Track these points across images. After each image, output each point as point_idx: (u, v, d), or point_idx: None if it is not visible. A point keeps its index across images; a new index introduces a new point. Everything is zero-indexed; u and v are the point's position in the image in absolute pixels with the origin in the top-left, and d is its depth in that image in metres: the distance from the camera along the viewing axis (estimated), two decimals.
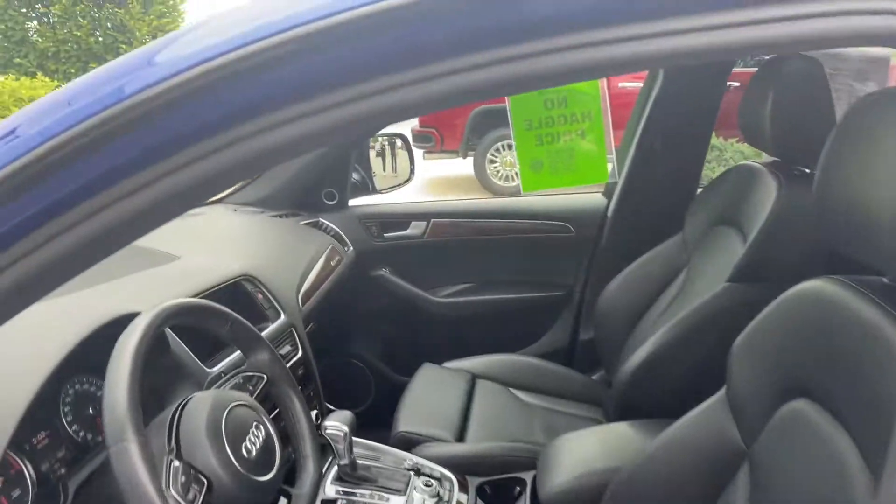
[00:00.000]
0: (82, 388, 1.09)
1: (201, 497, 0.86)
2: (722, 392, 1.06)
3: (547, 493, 1.31)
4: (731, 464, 1.01)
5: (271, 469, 0.98)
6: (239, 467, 0.91)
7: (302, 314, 1.62)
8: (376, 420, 1.77)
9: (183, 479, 0.85)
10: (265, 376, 1.11)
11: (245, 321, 1.10)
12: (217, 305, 1.05)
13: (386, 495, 1.37)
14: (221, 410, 0.94)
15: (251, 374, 1.10)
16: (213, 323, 1.06)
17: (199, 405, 0.95)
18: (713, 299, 1.45)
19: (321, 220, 2.13)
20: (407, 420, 1.69)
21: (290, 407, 1.14)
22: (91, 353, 0.96)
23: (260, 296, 1.51)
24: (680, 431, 1.10)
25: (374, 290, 2.22)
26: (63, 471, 0.97)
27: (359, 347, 2.27)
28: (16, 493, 0.92)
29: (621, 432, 1.42)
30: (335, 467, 1.41)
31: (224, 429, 0.92)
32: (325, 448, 1.39)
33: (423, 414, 1.72)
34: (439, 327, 2.26)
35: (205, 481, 0.88)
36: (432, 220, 2.20)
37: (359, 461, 1.44)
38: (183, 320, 0.99)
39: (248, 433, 0.96)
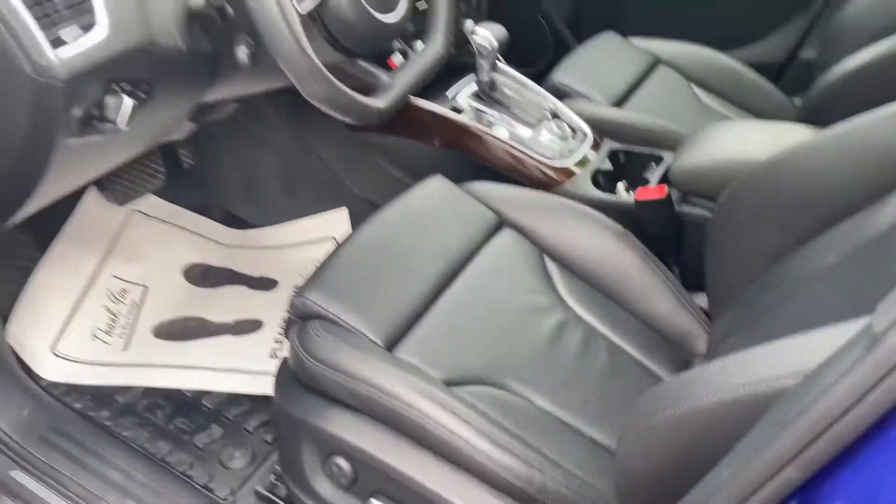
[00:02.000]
0: None
1: (316, 3, 0.82)
2: None
3: (678, 167, 1.19)
4: None
5: (390, 10, 0.92)
6: None
7: None
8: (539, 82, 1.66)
9: None
10: None
11: None
12: None
13: (514, 122, 1.32)
14: None
15: None
16: None
17: None
18: None
19: None
20: (566, 72, 1.57)
21: None
22: None
23: None
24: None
25: None
26: None
27: (544, 2, 2.07)
28: None
29: (798, 134, 1.20)
30: (474, 83, 1.37)
31: None
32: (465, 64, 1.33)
33: (584, 72, 1.59)
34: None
35: None
36: None
37: (500, 85, 1.38)
38: None
39: None
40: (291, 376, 0.90)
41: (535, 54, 2.16)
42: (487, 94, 1.35)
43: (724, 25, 1.89)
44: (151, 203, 1.47)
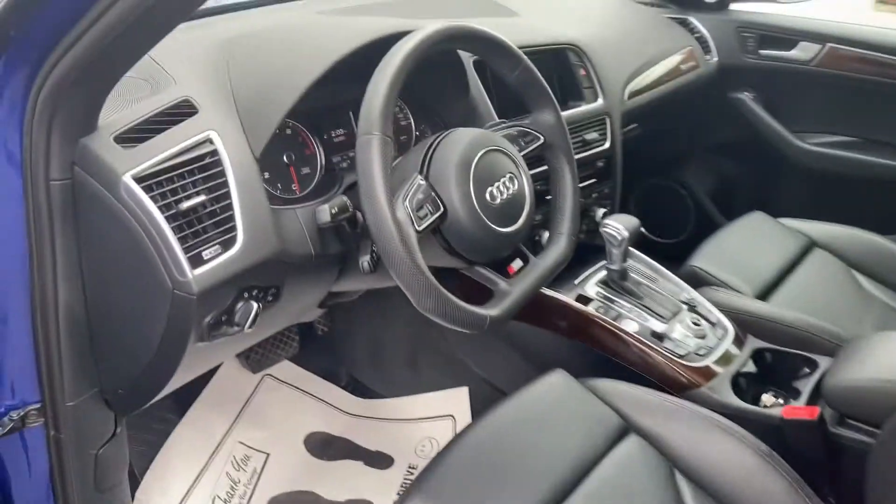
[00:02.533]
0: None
1: (432, 219, 0.85)
2: None
3: (834, 384, 1.05)
4: None
5: (512, 223, 0.92)
6: (477, 207, 0.87)
7: (623, 107, 1.46)
8: (678, 255, 1.61)
9: (421, 196, 0.85)
10: (542, 137, 1.03)
11: (536, 72, 1.01)
12: (510, 44, 0.97)
13: (646, 315, 1.26)
14: (477, 149, 0.90)
15: (530, 130, 1.03)
16: (501, 62, 0.99)
17: (460, 138, 0.91)
18: None
19: (690, 18, 1.85)
20: (706, 257, 1.49)
21: (560, 179, 1.05)
22: None
23: (583, 71, 1.39)
24: None
25: (725, 114, 1.91)
26: (345, 165, 1.06)
27: (687, 174, 2.04)
28: (305, 170, 1.03)
29: None
30: (604, 270, 1.33)
31: (473, 167, 0.88)
32: (596, 247, 1.31)
33: (728, 258, 1.50)
34: (793, 178, 1.89)
35: (441, 207, 0.86)
36: (829, 44, 1.75)
37: (632, 274, 1.34)
38: (467, 46, 0.94)
39: (499, 181, 0.91)
40: None
41: (677, 227, 2.10)
42: (618, 284, 1.31)
43: (889, 208, 1.75)
44: (283, 367, 1.53)
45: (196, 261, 0.78)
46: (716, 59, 1.82)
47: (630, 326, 1.23)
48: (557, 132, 1.04)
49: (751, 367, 1.21)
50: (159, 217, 0.76)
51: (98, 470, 0.98)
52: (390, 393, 1.55)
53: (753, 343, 1.26)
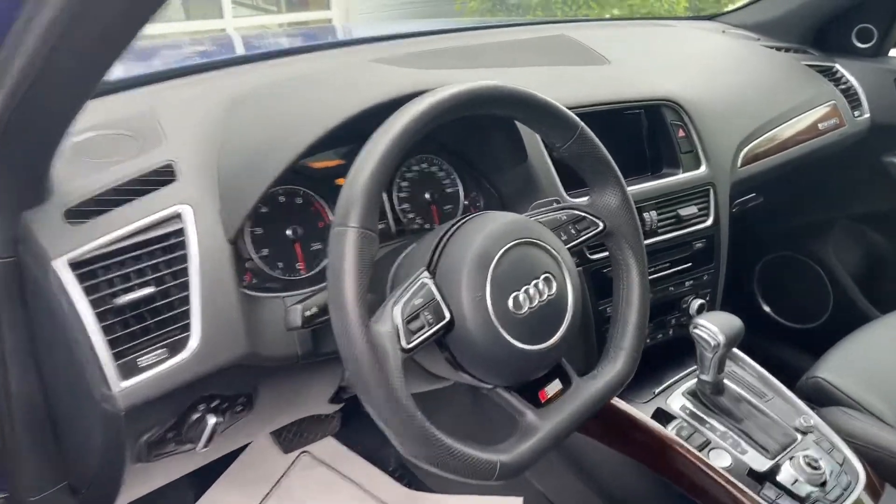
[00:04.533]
0: (427, 167, 0.98)
1: (430, 332, 0.65)
2: None
3: None
4: None
5: (545, 339, 0.71)
6: (493, 318, 0.67)
7: (735, 176, 1.20)
8: (811, 344, 1.29)
9: (419, 301, 0.66)
10: (602, 224, 0.81)
11: (595, 141, 0.79)
12: (559, 108, 0.76)
13: (744, 445, 0.98)
14: (503, 241, 0.70)
15: (585, 214, 0.81)
16: (549, 130, 0.78)
17: (482, 224, 0.72)
18: None
19: (837, 66, 1.54)
20: (835, 366, 1.19)
21: (625, 277, 0.82)
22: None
23: (681, 132, 1.14)
24: None
25: (877, 181, 1.56)
26: None
27: (824, 249, 1.69)
28: (315, 245, 0.87)
29: None
30: (694, 378, 1.07)
31: (494, 264, 0.68)
32: (690, 343, 1.05)
33: (867, 369, 1.18)
34: None
35: (447, 315, 0.67)
36: None
37: (731, 385, 1.06)
38: (501, 110, 0.74)
39: (529, 283, 0.70)
40: None
41: (810, 311, 1.76)
42: (710, 399, 1.04)
43: None
44: (322, 443, 1.38)
45: (128, 370, 0.64)
46: (867, 115, 1.50)
47: (721, 460, 0.96)
48: (623, 218, 0.81)
49: None
50: (88, 313, 0.63)
51: None
52: (440, 487, 1.35)
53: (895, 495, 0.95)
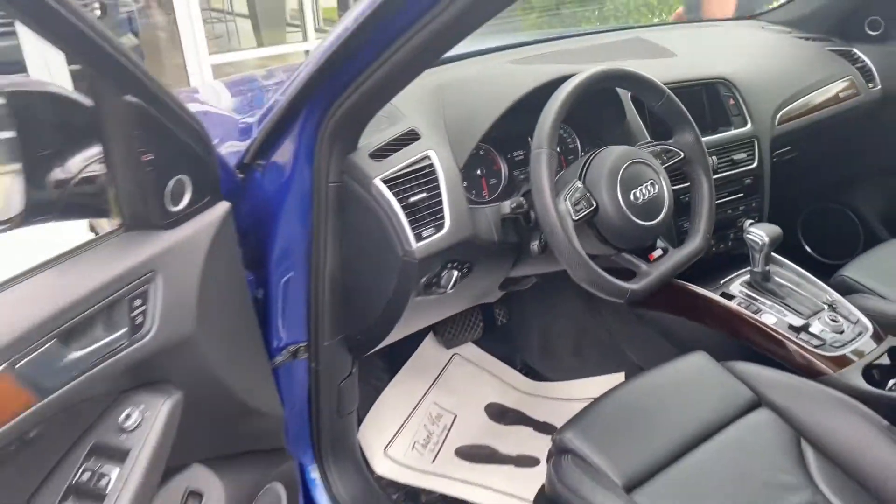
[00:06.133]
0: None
1: (586, 212, 1.13)
2: None
3: None
4: None
5: (653, 219, 1.18)
6: (622, 204, 1.14)
7: (773, 132, 1.64)
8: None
9: (578, 195, 1.14)
10: (682, 154, 1.27)
11: (677, 101, 1.26)
12: (654, 80, 1.24)
13: (785, 311, 1.42)
14: (624, 160, 1.17)
15: (672, 148, 1.27)
16: (648, 95, 1.25)
17: (611, 152, 1.19)
18: None
19: (855, 50, 1.96)
20: (858, 267, 1.61)
21: (699, 187, 1.28)
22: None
23: (731, 101, 1.60)
24: None
25: (889, 141, 1.98)
26: (523, 177, 1.38)
27: (856, 198, 2.10)
28: (493, 181, 1.36)
29: None
30: (748, 274, 1.51)
31: (621, 174, 1.16)
32: (743, 256, 1.49)
33: (882, 269, 1.60)
34: None
35: (594, 204, 1.15)
36: None
37: (776, 278, 1.50)
38: (619, 83, 1.22)
39: (642, 185, 1.17)
40: (544, 498, 1.12)
41: (846, 250, 2.16)
42: (760, 285, 1.48)
43: None
44: (469, 350, 1.87)
45: (418, 237, 1.13)
46: (879, 87, 1.91)
47: (769, 319, 1.41)
48: (695, 149, 1.27)
49: (885, 361, 1.33)
50: (397, 206, 1.12)
51: (339, 398, 1.35)
52: (557, 377, 1.82)
53: (893, 342, 1.37)
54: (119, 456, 0.82)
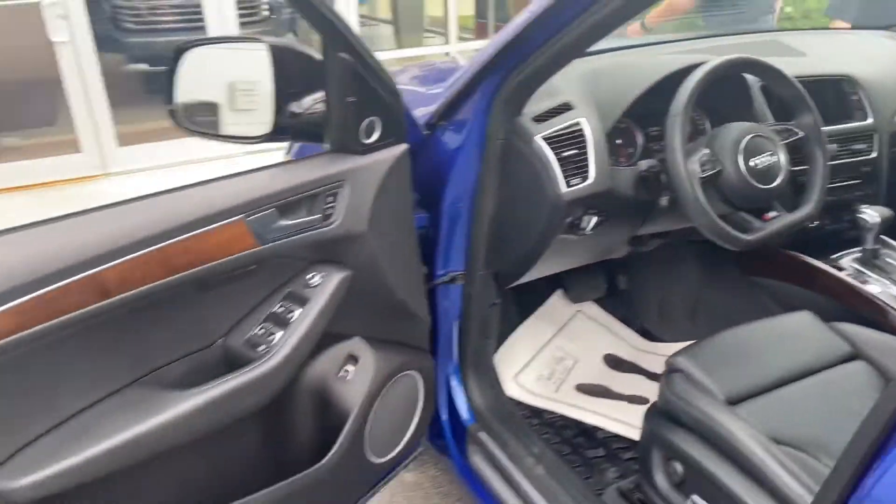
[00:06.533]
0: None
1: (711, 172, 1.36)
2: None
3: None
4: None
5: (770, 183, 1.39)
6: (742, 167, 1.37)
7: (891, 127, 1.79)
8: None
9: (705, 159, 1.37)
10: (801, 133, 1.47)
11: (799, 88, 1.46)
12: (779, 69, 1.45)
13: (890, 283, 1.57)
14: (747, 133, 1.40)
15: (792, 128, 1.48)
16: (774, 81, 1.47)
17: (737, 126, 1.42)
18: None
19: None
20: None
21: (814, 162, 1.48)
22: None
23: (854, 97, 1.76)
24: None
25: None
26: (657, 148, 1.62)
27: None
28: (630, 150, 1.62)
29: None
30: (859, 252, 1.67)
31: (744, 143, 1.38)
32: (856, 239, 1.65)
33: None
34: None
35: (719, 168, 1.38)
36: None
37: (888, 260, 1.65)
38: (748, 70, 1.45)
39: (761, 154, 1.39)
40: (655, 410, 1.35)
41: None
42: (870, 262, 1.64)
43: None
44: (592, 308, 2.12)
45: (567, 184, 1.41)
46: None
47: (874, 289, 1.57)
48: (813, 130, 1.47)
49: None
50: (552, 158, 1.40)
51: (485, 321, 1.64)
52: (670, 340, 2.03)
53: None
54: (302, 301, 1.15)
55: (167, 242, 0.96)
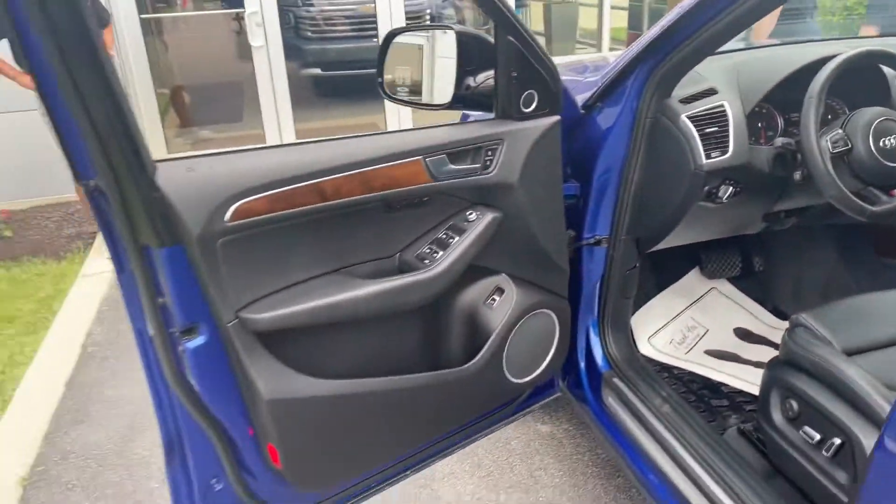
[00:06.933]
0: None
1: (842, 149, 1.52)
2: None
3: None
4: None
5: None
6: (872, 146, 1.52)
7: None
8: None
9: (837, 138, 1.53)
10: None
11: None
12: None
13: None
14: (879, 116, 1.54)
15: None
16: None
17: (870, 110, 1.57)
18: None
19: None
20: None
21: None
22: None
23: None
24: None
25: None
26: (795, 131, 1.78)
27: None
28: (769, 133, 1.79)
29: None
30: None
31: (874, 125, 1.53)
32: None
33: None
34: None
35: (849, 145, 1.54)
36: None
37: None
38: (884, 61, 1.59)
39: (891, 136, 1.53)
40: (777, 361, 1.53)
41: None
42: None
43: None
44: (726, 286, 2.28)
45: (707, 156, 1.62)
46: None
47: None
48: None
49: None
50: (696, 135, 1.62)
51: (625, 282, 1.87)
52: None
53: None
54: (461, 232, 1.39)
55: (367, 169, 1.27)
